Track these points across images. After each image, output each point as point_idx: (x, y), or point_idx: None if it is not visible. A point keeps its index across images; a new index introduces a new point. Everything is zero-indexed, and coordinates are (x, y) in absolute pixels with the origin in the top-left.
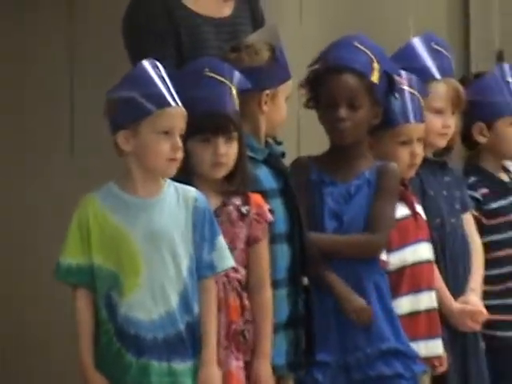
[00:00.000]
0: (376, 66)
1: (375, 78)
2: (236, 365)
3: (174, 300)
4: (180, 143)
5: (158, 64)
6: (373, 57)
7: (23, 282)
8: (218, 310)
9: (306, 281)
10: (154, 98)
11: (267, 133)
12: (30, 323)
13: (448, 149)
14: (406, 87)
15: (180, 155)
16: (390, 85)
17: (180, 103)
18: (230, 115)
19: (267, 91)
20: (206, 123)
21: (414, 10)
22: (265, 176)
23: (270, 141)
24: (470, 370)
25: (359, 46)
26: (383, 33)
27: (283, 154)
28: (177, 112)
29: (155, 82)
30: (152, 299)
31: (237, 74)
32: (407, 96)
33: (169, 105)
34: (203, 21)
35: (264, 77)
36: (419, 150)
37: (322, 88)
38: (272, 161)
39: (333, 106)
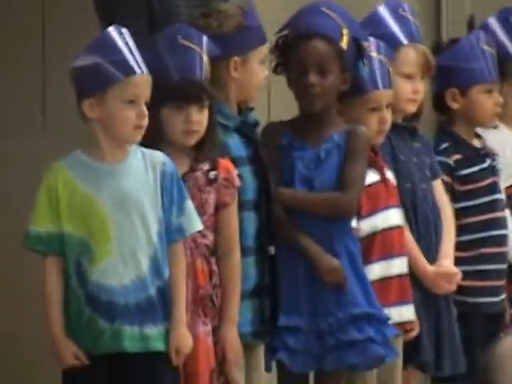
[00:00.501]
0: (345, 31)
1: (344, 43)
2: (203, 330)
3: (145, 264)
4: (145, 111)
5: (124, 31)
6: (342, 23)
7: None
8: (186, 275)
9: (272, 250)
10: (120, 66)
11: (242, 99)
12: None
13: (417, 115)
14: (374, 53)
15: (145, 122)
16: (358, 51)
17: (146, 70)
18: (202, 83)
19: (236, 57)
20: (178, 91)
21: None
22: (234, 143)
23: (246, 108)
24: (443, 333)
25: (328, 11)
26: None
27: (256, 123)
28: (143, 80)
29: (121, 50)
30: (123, 264)
31: (207, 41)
32: (375, 62)
33: (135, 73)
34: None
35: (232, 43)
36: (388, 116)
37: (291, 54)
38: (244, 128)
39: (303, 71)
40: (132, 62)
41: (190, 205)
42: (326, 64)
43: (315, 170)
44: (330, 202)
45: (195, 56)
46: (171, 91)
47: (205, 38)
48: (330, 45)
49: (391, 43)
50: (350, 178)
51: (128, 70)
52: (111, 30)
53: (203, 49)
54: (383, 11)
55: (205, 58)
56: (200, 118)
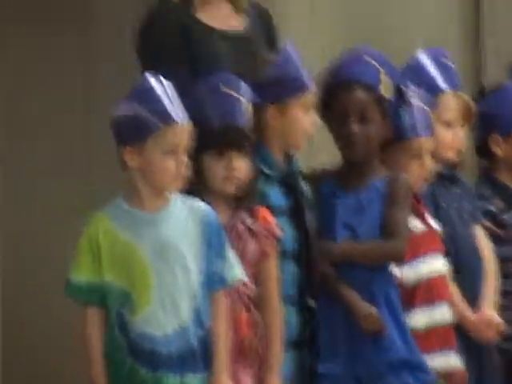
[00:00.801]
0: (384, 78)
1: (384, 90)
2: (246, 380)
3: (187, 314)
4: (185, 160)
5: (163, 79)
6: (382, 70)
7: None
8: (229, 325)
9: (312, 302)
10: (160, 115)
11: (287, 147)
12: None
13: (458, 161)
14: (414, 100)
15: (185, 171)
16: (398, 98)
17: (186, 119)
18: (243, 129)
19: (273, 105)
20: (219, 137)
21: (422, 17)
22: (274, 193)
23: (288, 155)
24: (485, 382)
25: (368, 59)
26: (390, 37)
27: (299, 172)
28: (182, 129)
29: (160, 98)
30: (164, 314)
31: (247, 88)
32: (416, 109)
33: (174, 122)
34: (216, 35)
35: (269, 90)
36: (429, 164)
37: (332, 102)
38: (286, 178)
39: (344, 120)
40: (171, 111)
41: (231, 254)
42: (367, 112)
43: (357, 218)
44: (378, 251)
45: (236, 103)
46: (212, 138)
47: (245, 85)
48: (370, 92)
49: (432, 90)
50: (394, 224)
51: (167, 120)
52: (150, 77)
53: (244, 96)
54: (424, 59)
55: (246, 105)
56: (241, 165)
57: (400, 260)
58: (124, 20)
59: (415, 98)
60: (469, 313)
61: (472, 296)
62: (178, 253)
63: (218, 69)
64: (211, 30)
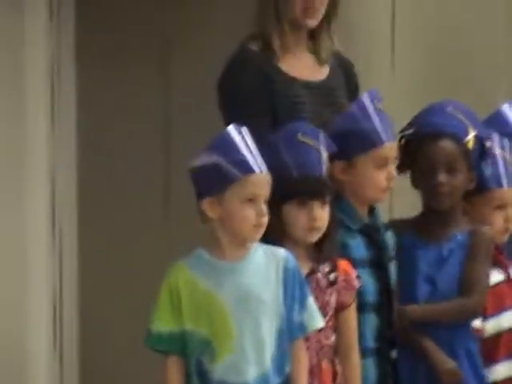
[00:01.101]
0: (471, 131)
1: (470, 143)
2: None
3: (267, 362)
4: (265, 209)
5: (244, 129)
6: (467, 123)
7: None
8: (312, 375)
9: (393, 354)
10: (239, 165)
11: (364, 201)
12: None
13: None
14: (497, 151)
15: (265, 221)
16: (482, 149)
17: (265, 169)
18: (324, 179)
19: (338, 161)
20: (302, 187)
21: (506, 69)
22: (356, 244)
23: (373, 207)
24: None
25: (454, 112)
26: (472, 91)
27: (382, 225)
28: (261, 179)
29: (240, 149)
30: (245, 362)
31: (325, 138)
32: (499, 160)
33: (253, 172)
34: (299, 85)
35: (337, 144)
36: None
37: (418, 153)
38: (367, 230)
39: (432, 170)
40: (251, 161)
41: (311, 301)
42: (455, 163)
43: (438, 269)
44: (456, 310)
45: (316, 153)
46: (294, 187)
47: (322, 134)
48: (458, 144)
49: None
50: (473, 279)
51: (247, 170)
52: (231, 128)
53: (322, 145)
54: (508, 109)
55: (324, 155)
56: (322, 214)
57: (477, 316)
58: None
59: (499, 148)
60: None
61: None
62: (259, 300)
63: (299, 118)
64: (293, 79)
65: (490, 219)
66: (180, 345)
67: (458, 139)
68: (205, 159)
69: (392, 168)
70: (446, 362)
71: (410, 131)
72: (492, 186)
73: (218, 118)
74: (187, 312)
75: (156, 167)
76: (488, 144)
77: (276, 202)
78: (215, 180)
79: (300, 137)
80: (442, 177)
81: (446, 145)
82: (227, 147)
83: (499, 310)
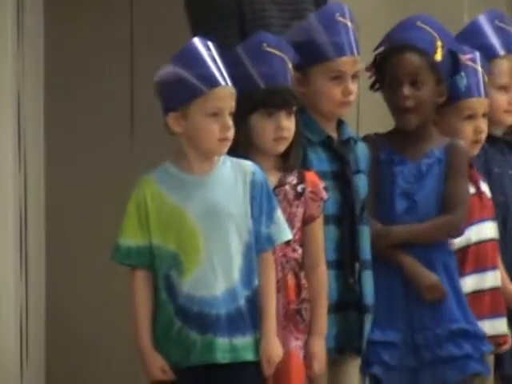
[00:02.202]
0: (439, 44)
1: (438, 56)
2: (295, 344)
3: (235, 275)
4: (230, 123)
5: (209, 42)
6: (436, 35)
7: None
8: (277, 290)
9: (356, 265)
10: (203, 79)
11: (323, 114)
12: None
13: None
14: (469, 63)
15: (231, 134)
16: (453, 63)
17: (230, 82)
18: (290, 89)
19: (296, 71)
20: (269, 98)
21: None
22: (318, 158)
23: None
24: None
25: (422, 25)
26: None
27: (354, 139)
28: (226, 92)
29: (204, 62)
30: (213, 276)
31: (291, 49)
32: (470, 71)
33: (218, 85)
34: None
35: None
36: (484, 126)
37: (386, 69)
38: (331, 143)
39: (396, 84)
40: (215, 75)
41: (279, 214)
42: (420, 76)
43: (416, 185)
44: (441, 228)
45: (281, 63)
46: (260, 99)
47: (288, 46)
48: (424, 57)
49: (488, 54)
50: (456, 197)
51: (211, 83)
52: (195, 41)
53: (287, 55)
54: (481, 22)
55: (289, 65)
56: (289, 125)
57: (459, 234)
58: None
59: (470, 60)
60: (508, 282)
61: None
62: (226, 215)
63: (266, 31)
64: None
65: (460, 130)
66: (148, 259)
67: (424, 52)
68: (169, 73)
69: (349, 82)
70: (428, 277)
71: (381, 48)
72: (462, 95)
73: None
74: (155, 226)
75: (122, 84)
76: (459, 57)
77: (242, 114)
78: (179, 94)
79: (265, 47)
80: (406, 90)
81: (410, 57)
82: (191, 60)
83: (468, 223)
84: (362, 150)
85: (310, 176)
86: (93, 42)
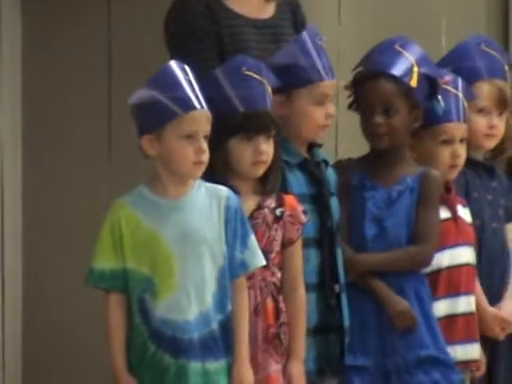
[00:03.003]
0: (415, 69)
1: (414, 82)
2: (275, 368)
3: (208, 300)
4: (205, 146)
5: (185, 66)
6: (413, 60)
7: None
8: (256, 314)
9: (337, 288)
10: (178, 102)
11: (302, 137)
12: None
13: (499, 152)
14: (449, 88)
15: (205, 158)
16: (430, 88)
17: (205, 106)
18: (269, 113)
19: (279, 93)
20: (247, 122)
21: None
22: (296, 181)
23: (313, 145)
24: (498, 375)
25: (400, 49)
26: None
27: (326, 162)
28: (201, 115)
29: (179, 85)
30: (187, 300)
31: (269, 72)
32: (449, 95)
33: (192, 108)
34: (245, 22)
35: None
36: (461, 151)
37: (359, 93)
38: (307, 166)
39: (369, 111)
40: (190, 98)
41: (253, 240)
42: (393, 104)
43: (386, 211)
44: (408, 259)
45: (261, 87)
46: (239, 122)
47: (267, 70)
48: (398, 84)
49: (472, 78)
50: (425, 229)
51: (186, 106)
52: (171, 64)
53: (266, 79)
54: (468, 44)
55: (268, 89)
56: (268, 148)
57: (426, 266)
58: None
59: (451, 85)
60: (487, 305)
61: (489, 289)
62: (200, 238)
63: (245, 54)
64: (239, 17)
65: (437, 155)
66: (122, 282)
67: (397, 79)
68: (144, 95)
69: (330, 106)
70: (398, 303)
71: (358, 70)
72: (440, 120)
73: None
74: (129, 250)
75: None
76: (437, 82)
77: (220, 137)
78: (153, 116)
79: (244, 70)
80: (378, 118)
81: (383, 85)
82: (166, 83)
83: (442, 247)
84: (331, 174)
85: (289, 199)
86: (70, 63)
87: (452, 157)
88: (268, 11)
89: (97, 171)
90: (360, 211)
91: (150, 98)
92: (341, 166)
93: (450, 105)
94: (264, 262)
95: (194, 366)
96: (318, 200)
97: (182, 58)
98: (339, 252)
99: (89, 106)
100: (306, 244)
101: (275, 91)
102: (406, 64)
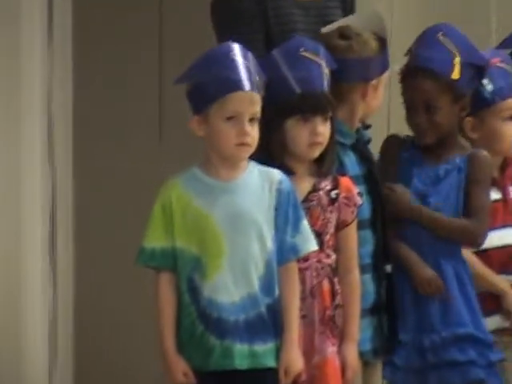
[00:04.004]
0: (457, 60)
1: (456, 74)
2: (332, 350)
3: (256, 282)
4: (248, 128)
5: (235, 46)
6: (456, 51)
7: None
8: (313, 296)
9: (388, 268)
10: (221, 82)
11: (361, 119)
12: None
13: None
14: (501, 65)
15: (249, 140)
16: (478, 74)
17: (252, 87)
18: (327, 95)
19: (373, 82)
20: (305, 103)
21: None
22: (350, 162)
23: (359, 126)
24: None
25: (443, 38)
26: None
27: (369, 140)
28: (245, 97)
29: (225, 66)
30: (234, 281)
31: (326, 54)
32: (501, 74)
33: (235, 89)
34: (292, 3)
35: (372, 68)
36: None
37: (402, 90)
38: (359, 146)
39: (411, 109)
40: (235, 78)
41: (305, 224)
42: (433, 101)
43: (432, 188)
44: (459, 229)
45: (317, 68)
46: (296, 103)
47: (324, 51)
48: (438, 79)
49: None
50: (477, 205)
51: (229, 87)
52: (221, 45)
53: (324, 61)
54: None
55: (326, 71)
56: (324, 130)
57: (476, 245)
58: None
59: (501, 62)
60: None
61: None
62: (251, 221)
63: (291, 36)
64: None
65: (501, 132)
66: (172, 261)
67: (438, 74)
68: (192, 76)
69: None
70: (423, 270)
71: (403, 64)
72: (496, 99)
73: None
74: (179, 229)
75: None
76: (484, 67)
77: (277, 119)
78: (199, 97)
79: (302, 51)
80: (420, 117)
81: (423, 83)
82: (213, 64)
83: (490, 228)
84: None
85: (345, 181)
86: (121, 48)
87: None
88: None
89: (147, 153)
90: (406, 186)
91: (198, 78)
92: (394, 140)
93: (504, 82)
94: (316, 247)
95: (240, 347)
96: (369, 180)
97: (229, 40)
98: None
99: (139, 92)
100: (361, 226)
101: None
102: (447, 56)
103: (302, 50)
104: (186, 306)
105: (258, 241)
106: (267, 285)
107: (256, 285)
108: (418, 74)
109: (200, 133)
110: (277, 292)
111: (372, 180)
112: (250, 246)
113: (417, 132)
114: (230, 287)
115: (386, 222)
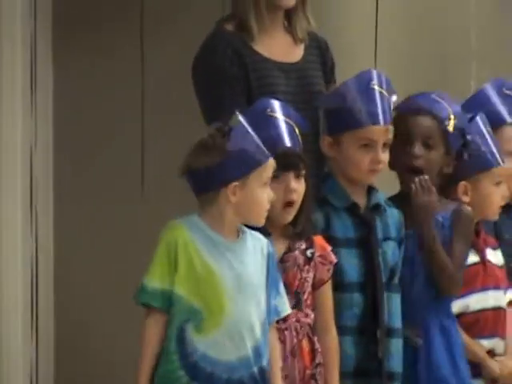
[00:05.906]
0: (452, 117)
1: (451, 127)
2: None
3: (252, 344)
4: (272, 194)
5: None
6: (450, 109)
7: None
8: (293, 355)
9: (378, 333)
10: (262, 150)
11: (355, 180)
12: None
13: None
14: (487, 130)
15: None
16: (463, 142)
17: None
18: (298, 151)
19: (329, 136)
20: (276, 161)
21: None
22: (342, 225)
23: (373, 189)
24: None
25: (437, 98)
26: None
27: (376, 206)
28: (272, 162)
29: (254, 134)
30: (231, 341)
31: (297, 115)
32: (490, 139)
33: (270, 156)
34: (272, 66)
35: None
36: (507, 191)
37: (398, 129)
38: (355, 210)
39: (409, 143)
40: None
41: (282, 286)
42: (432, 139)
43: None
44: (447, 268)
45: (287, 127)
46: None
47: (292, 110)
48: (437, 123)
49: (495, 122)
50: (458, 258)
51: (267, 154)
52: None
53: (293, 121)
54: (488, 90)
55: (296, 129)
56: (297, 187)
57: (453, 289)
58: None
59: (485, 127)
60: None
61: None
62: (250, 283)
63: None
64: (267, 60)
65: (492, 196)
66: (168, 303)
67: (438, 118)
68: (229, 146)
69: (379, 151)
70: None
71: (394, 112)
72: (493, 163)
73: (192, 99)
74: (181, 276)
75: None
76: (467, 137)
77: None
78: (242, 166)
79: (268, 112)
80: (418, 149)
81: (425, 120)
82: (247, 133)
83: (468, 290)
84: (393, 217)
85: (318, 240)
86: (103, 99)
87: (503, 197)
88: (296, 54)
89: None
90: None
91: (237, 147)
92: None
93: (494, 147)
94: (290, 310)
95: None
96: (365, 244)
97: (214, 103)
98: (390, 297)
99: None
100: (349, 288)
101: (325, 132)
102: (444, 109)
103: (268, 110)
104: (169, 352)
105: (256, 303)
106: (261, 346)
107: (251, 346)
108: (421, 113)
109: (233, 199)
110: (267, 355)
111: (368, 244)
112: (249, 307)
113: (408, 170)
114: (228, 346)
115: (377, 286)
